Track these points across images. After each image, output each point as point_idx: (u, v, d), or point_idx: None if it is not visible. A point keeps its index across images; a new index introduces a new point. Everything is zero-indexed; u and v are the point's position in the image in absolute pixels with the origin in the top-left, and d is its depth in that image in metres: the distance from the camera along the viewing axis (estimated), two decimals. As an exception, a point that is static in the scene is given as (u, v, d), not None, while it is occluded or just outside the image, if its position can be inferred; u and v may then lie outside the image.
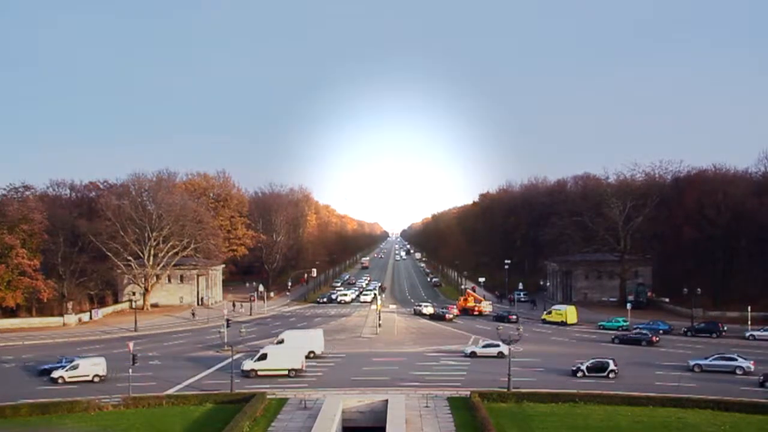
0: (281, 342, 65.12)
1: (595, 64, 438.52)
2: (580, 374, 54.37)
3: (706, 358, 57.84)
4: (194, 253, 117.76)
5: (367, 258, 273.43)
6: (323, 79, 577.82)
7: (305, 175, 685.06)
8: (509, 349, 52.69)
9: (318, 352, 65.56)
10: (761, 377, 51.43)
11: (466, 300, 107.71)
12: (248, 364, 57.41)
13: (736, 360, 56.76)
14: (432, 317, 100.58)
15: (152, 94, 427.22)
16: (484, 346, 65.61)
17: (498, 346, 62.50)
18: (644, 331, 75.77)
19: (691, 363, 57.47)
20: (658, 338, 72.74)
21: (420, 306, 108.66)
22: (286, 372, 56.63)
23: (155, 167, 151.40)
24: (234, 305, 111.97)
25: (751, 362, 56.48)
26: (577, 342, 75.93)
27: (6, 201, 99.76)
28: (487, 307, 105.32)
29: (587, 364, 55.10)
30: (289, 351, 59.99)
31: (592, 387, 49.55)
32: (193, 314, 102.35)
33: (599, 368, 54.41)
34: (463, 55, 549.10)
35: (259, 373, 56.63)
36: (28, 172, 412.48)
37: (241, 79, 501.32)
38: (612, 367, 54.27)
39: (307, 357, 63.49)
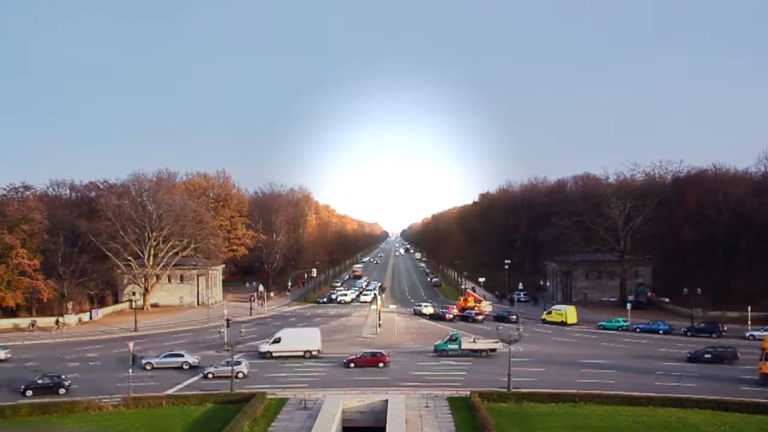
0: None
1: (595, 64, 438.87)
2: None
3: (157, 356, 61.81)
4: (194, 253, 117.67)
5: (360, 266, 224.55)
6: (323, 79, 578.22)
7: (305, 175, 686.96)
8: (510, 349, 52.60)
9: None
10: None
11: (466, 300, 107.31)
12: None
13: (183, 356, 61.20)
14: (432, 317, 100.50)
15: (152, 94, 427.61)
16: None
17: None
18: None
19: (143, 361, 60.28)
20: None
21: (420, 306, 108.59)
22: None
23: (155, 167, 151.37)
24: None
25: (196, 357, 61.42)
26: (577, 342, 75.97)
27: (6, 201, 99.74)
28: (487, 307, 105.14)
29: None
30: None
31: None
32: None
33: None
34: (463, 55, 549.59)
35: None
36: (28, 172, 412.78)
37: (241, 79, 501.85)
38: None
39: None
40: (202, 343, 75.72)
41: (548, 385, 50.85)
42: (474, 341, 66.88)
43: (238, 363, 56.28)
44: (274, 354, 64.88)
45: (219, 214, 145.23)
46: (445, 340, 67.09)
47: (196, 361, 60.64)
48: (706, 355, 61.25)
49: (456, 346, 65.57)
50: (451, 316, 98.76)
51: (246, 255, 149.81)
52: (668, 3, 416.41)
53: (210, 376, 56.04)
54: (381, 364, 59.56)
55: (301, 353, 65.08)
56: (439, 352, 65.85)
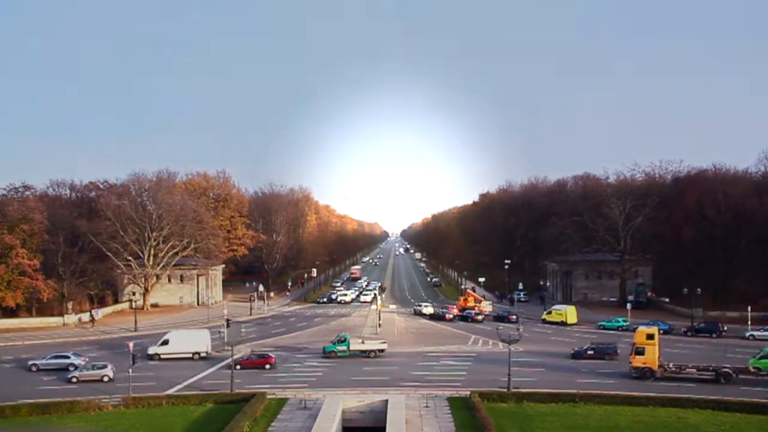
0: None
1: (595, 64, 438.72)
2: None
3: (44, 358, 61.28)
4: (194, 253, 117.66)
5: (358, 267, 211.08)
6: (323, 80, 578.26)
7: (305, 175, 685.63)
8: (510, 349, 52.59)
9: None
10: None
11: (466, 300, 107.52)
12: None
13: (69, 358, 60.82)
14: (432, 317, 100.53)
15: (152, 94, 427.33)
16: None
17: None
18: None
19: (29, 363, 60.56)
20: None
21: (420, 306, 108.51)
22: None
23: (155, 167, 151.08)
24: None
25: (84, 359, 61.13)
26: (577, 342, 75.88)
27: (6, 201, 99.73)
28: (487, 307, 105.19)
29: None
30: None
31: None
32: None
33: None
34: (463, 55, 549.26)
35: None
36: (28, 172, 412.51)
37: (241, 79, 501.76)
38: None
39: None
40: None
41: (548, 385, 50.87)
42: (363, 342, 67.39)
43: (104, 366, 56.59)
44: (162, 356, 65.27)
45: (219, 214, 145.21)
46: (333, 342, 66.46)
47: (83, 362, 60.30)
48: (589, 352, 64.29)
49: (344, 348, 65.37)
50: (451, 316, 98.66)
51: (246, 255, 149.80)
52: (668, 3, 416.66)
53: (74, 380, 55.38)
54: (267, 366, 59.90)
55: (190, 355, 65.30)
56: (327, 354, 65.25)
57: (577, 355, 64.01)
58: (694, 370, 53.30)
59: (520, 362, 57.42)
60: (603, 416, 42.86)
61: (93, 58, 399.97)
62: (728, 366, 53.76)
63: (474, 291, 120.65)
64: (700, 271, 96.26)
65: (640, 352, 54.27)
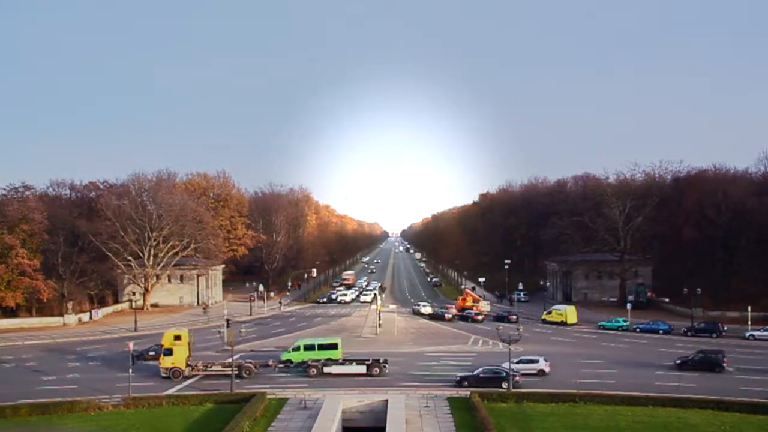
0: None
1: (595, 64, 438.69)
2: None
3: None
4: (194, 253, 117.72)
5: (351, 273, 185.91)
6: (324, 80, 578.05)
7: (305, 175, 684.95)
8: (510, 349, 52.56)
9: None
10: None
11: (464, 300, 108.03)
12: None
13: None
14: (432, 317, 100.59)
15: (152, 94, 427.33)
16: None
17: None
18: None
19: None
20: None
21: (418, 305, 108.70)
22: None
23: (155, 167, 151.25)
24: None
25: None
26: (577, 342, 76.01)
27: (6, 201, 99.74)
28: (485, 306, 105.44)
29: None
30: None
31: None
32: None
33: None
34: (463, 55, 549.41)
35: None
36: (28, 172, 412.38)
37: (241, 79, 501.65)
38: None
39: None
40: (202, 343, 75.72)
41: (548, 385, 50.88)
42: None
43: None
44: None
45: (219, 214, 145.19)
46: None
47: None
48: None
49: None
50: (450, 315, 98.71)
51: (246, 255, 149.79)
52: (668, 3, 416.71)
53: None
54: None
55: None
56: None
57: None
58: (220, 367, 55.79)
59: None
60: (603, 416, 42.85)
61: (93, 58, 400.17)
62: (251, 361, 57.92)
63: (474, 291, 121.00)
64: (700, 271, 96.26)
65: (169, 353, 56.25)
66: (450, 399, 47.04)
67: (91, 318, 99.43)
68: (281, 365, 59.52)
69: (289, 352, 61.30)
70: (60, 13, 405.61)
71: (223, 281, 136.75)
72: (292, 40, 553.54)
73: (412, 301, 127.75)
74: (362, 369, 56.28)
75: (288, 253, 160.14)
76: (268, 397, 47.69)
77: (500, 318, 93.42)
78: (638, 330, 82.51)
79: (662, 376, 54.57)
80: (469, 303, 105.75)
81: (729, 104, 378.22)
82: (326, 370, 56.24)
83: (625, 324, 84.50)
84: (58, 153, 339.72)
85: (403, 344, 74.26)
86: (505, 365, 51.16)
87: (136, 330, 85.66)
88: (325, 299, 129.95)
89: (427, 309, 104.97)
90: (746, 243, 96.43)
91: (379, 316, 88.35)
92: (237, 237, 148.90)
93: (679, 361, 58.31)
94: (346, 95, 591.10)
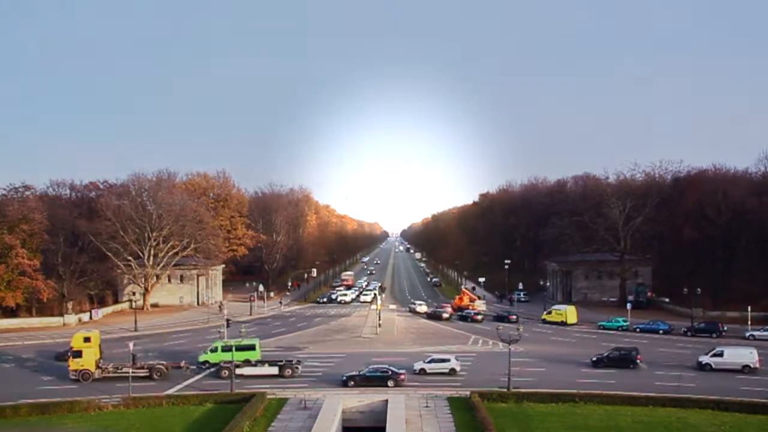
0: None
1: (595, 64, 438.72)
2: None
3: None
4: (194, 253, 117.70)
5: (350, 273, 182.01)
6: (324, 79, 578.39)
7: (305, 175, 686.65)
8: (510, 349, 52.50)
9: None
10: None
11: (461, 299, 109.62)
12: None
13: None
14: (429, 316, 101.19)
15: (152, 93, 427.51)
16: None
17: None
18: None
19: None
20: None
21: (414, 304, 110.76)
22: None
23: (155, 167, 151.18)
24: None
25: None
26: (577, 342, 76.00)
27: (6, 201, 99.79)
28: (480, 306, 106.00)
29: None
30: None
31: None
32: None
33: None
34: (463, 55, 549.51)
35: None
36: (28, 172, 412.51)
37: (241, 79, 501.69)
38: None
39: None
40: (202, 343, 75.72)
41: (548, 385, 50.86)
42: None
43: None
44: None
45: (219, 214, 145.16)
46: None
47: None
48: None
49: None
50: (448, 315, 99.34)
51: (246, 255, 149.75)
52: (668, 3, 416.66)
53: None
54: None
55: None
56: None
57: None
58: (130, 369, 54.64)
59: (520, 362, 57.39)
60: (603, 416, 42.85)
61: (93, 58, 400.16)
62: (162, 362, 57.97)
63: (474, 291, 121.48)
64: (700, 271, 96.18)
65: (78, 355, 55.49)
66: (450, 399, 47.07)
67: (91, 318, 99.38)
68: (199, 366, 59.28)
69: (207, 353, 60.75)
70: (60, 13, 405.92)
71: (223, 281, 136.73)
72: (292, 40, 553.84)
73: (411, 300, 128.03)
74: (274, 370, 56.47)
75: (288, 253, 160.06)
76: (268, 397, 47.72)
77: (500, 318, 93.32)
78: (638, 330, 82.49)
79: (663, 377, 54.61)
80: (465, 302, 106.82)
81: (729, 104, 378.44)
82: (238, 371, 55.67)
83: (625, 324, 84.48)
84: (58, 153, 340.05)
85: (403, 344, 74.27)
86: (417, 363, 53.36)
87: (136, 330, 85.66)
88: (325, 299, 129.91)
89: (422, 308, 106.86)
90: (746, 243, 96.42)
91: (379, 316, 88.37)
92: (237, 237, 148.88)
93: (594, 359, 59.84)
94: (347, 95, 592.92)
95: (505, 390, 48.17)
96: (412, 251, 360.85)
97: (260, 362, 58.58)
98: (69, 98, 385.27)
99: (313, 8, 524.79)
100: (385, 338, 78.70)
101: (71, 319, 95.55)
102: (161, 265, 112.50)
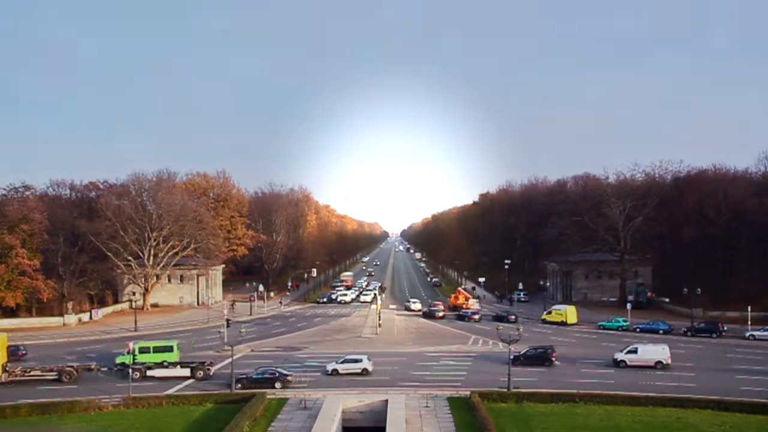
0: None
1: (595, 64, 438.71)
2: None
3: None
4: (194, 253, 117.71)
5: (350, 274, 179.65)
6: (323, 79, 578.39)
7: (305, 175, 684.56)
8: (509, 349, 52.50)
9: None
10: None
11: (456, 297, 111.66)
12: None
13: None
14: (424, 315, 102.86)
15: (152, 93, 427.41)
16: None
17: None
18: None
19: None
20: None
21: (409, 302, 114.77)
22: None
23: (155, 167, 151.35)
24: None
25: None
26: (577, 342, 75.99)
27: (6, 201, 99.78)
28: (474, 304, 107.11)
29: None
30: None
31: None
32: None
33: None
34: (463, 55, 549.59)
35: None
36: (28, 172, 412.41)
37: (241, 79, 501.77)
38: None
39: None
40: (202, 343, 75.76)
41: (548, 385, 50.90)
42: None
43: None
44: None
45: (219, 214, 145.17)
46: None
47: None
48: None
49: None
50: (441, 314, 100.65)
51: (246, 255, 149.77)
52: (668, 3, 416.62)
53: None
54: None
55: None
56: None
57: None
58: (40, 372, 55.10)
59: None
60: (603, 416, 42.85)
61: (93, 57, 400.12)
62: (72, 365, 57.87)
63: (474, 291, 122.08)
64: (700, 271, 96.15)
65: None
66: (450, 399, 47.07)
67: (91, 318, 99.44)
68: (117, 368, 58.42)
69: (124, 355, 59.19)
70: (60, 13, 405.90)
71: (223, 281, 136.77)
72: (292, 39, 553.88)
73: (407, 298, 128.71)
74: (186, 372, 56.39)
75: (288, 253, 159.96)
76: (268, 397, 47.74)
77: (499, 318, 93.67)
78: (638, 330, 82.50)
79: (663, 376, 54.63)
80: (461, 300, 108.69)
81: (729, 104, 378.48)
82: (149, 373, 55.72)
83: (625, 324, 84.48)
84: (58, 153, 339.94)
85: (403, 344, 74.29)
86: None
87: (136, 330, 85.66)
88: (325, 299, 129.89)
89: (416, 305, 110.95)
90: (746, 243, 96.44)
91: (379, 316, 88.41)
92: (237, 237, 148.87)
93: (512, 357, 59.80)
94: (347, 95, 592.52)
95: (505, 390, 48.18)
96: (412, 251, 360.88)
97: (172, 364, 57.92)
98: (69, 98, 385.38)
99: (313, 8, 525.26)
100: (385, 338, 78.74)
101: (71, 319, 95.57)
102: (161, 265, 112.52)
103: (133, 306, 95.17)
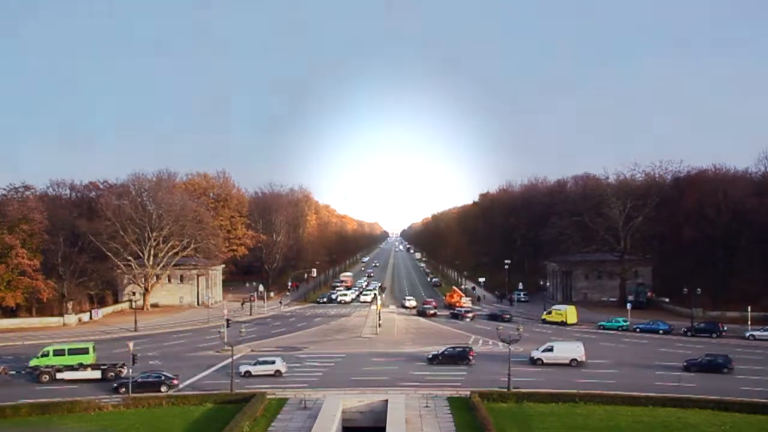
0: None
1: (595, 64, 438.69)
2: None
3: None
4: (194, 253, 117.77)
5: (349, 274, 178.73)
6: (323, 79, 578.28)
7: (305, 175, 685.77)
8: (509, 349, 52.49)
9: None
10: None
11: (452, 296, 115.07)
12: None
13: None
14: (419, 313, 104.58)
15: (152, 93, 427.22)
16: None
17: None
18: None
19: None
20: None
21: (404, 300, 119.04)
22: None
23: (155, 167, 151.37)
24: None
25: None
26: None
27: (6, 201, 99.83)
28: (466, 303, 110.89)
29: None
30: None
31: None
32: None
33: None
34: (463, 54, 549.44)
35: None
36: (28, 172, 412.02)
37: (241, 78, 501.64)
38: None
39: None
40: (202, 342, 75.78)
41: (548, 385, 50.89)
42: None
43: None
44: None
45: (219, 214, 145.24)
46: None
47: None
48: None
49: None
50: (433, 311, 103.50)
51: (246, 255, 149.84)
52: (668, 3, 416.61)
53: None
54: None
55: None
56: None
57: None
58: None
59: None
60: (603, 416, 42.86)
61: (93, 57, 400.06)
62: None
63: (474, 291, 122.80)
64: (700, 271, 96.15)
65: None
66: (450, 399, 47.08)
67: (91, 318, 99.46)
68: (30, 371, 57.54)
69: (38, 357, 58.76)
70: (59, 13, 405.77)
71: (223, 281, 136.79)
72: (292, 39, 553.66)
73: (403, 296, 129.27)
74: (97, 374, 55.83)
75: (288, 253, 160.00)
76: (268, 397, 47.73)
77: (494, 317, 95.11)
78: (638, 330, 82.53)
79: (663, 376, 54.55)
80: (456, 299, 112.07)
81: (729, 104, 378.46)
82: (59, 376, 54.95)
83: (625, 324, 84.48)
84: (58, 153, 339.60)
85: (404, 344, 74.28)
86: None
87: (136, 330, 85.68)
88: (325, 299, 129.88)
89: (412, 303, 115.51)
90: (746, 243, 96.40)
91: (379, 316, 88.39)
92: (237, 237, 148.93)
93: (430, 356, 62.84)
94: (346, 95, 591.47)
95: (505, 390, 48.17)
96: (412, 251, 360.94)
97: (83, 366, 57.04)
98: (69, 98, 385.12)
99: (313, 8, 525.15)
100: (385, 338, 78.73)
101: (71, 319, 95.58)
102: (161, 265, 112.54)
103: (133, 306, 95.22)
